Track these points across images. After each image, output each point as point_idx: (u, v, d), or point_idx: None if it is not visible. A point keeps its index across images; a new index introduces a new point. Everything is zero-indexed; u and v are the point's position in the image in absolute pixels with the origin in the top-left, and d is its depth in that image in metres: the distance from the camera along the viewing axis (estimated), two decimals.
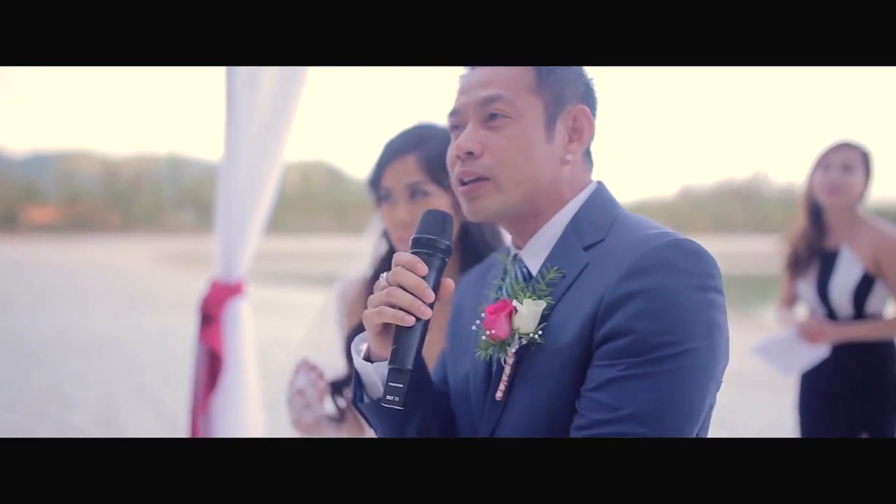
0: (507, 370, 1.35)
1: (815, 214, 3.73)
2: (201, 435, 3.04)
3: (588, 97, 1.46)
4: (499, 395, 1.36)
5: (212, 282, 3.15)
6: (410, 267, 1.28)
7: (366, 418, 1.46)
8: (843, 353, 3.54)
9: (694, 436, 1.24)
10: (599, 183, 1.47)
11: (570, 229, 1.39)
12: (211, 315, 3.06)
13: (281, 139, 3.01)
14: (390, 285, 1.29)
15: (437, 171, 2.00)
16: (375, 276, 2.20)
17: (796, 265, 3.76)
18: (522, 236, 1.45)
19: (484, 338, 1.37)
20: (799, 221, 3.81)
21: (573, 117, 1.43)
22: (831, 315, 3.63)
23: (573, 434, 1.25)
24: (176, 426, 6.92)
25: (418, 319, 1.27)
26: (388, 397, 1.27)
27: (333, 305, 2.30)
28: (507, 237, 1.61)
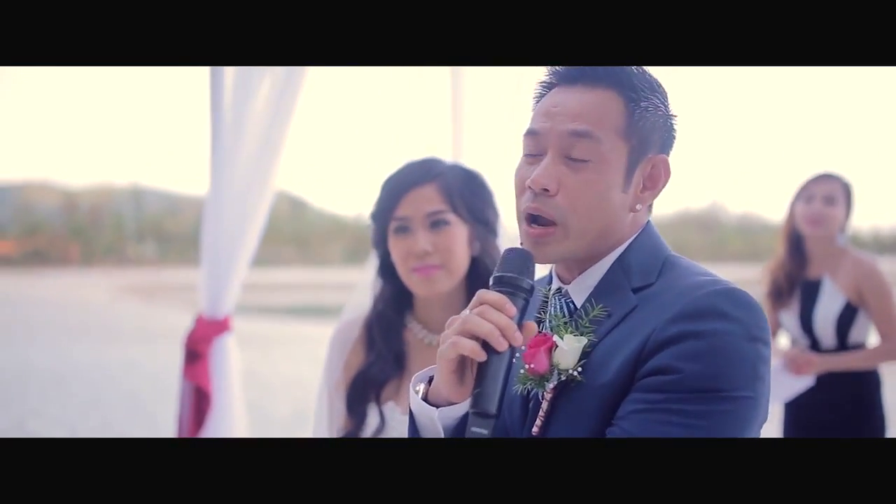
0: (545, 406, 1.31)
1: (796, 245, 3.77)
2: None
3: (668, 144, 1.40)
4: (535, 430, 1.32)
5: (197, 317, 3.10)
6: (499, 306, 1.22)
7: None
8: (828, 383, 3.56)
9: None
10: (648, 221, 1.41)
11: (618, 267, 1.35)
12: (197, 351, 3.00)
13: (270, 167, 2.98)
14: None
15: (456, 201, 1.99)
16: (378, 317, 2.12)
17: (778, 296, 3.79)
18: (571, 272, 1.40)
19: (522, 371, 1.33)
20: (779, 252, 3.85)
21: (652, 165, 1.37)
22: (815, 345, 3.66)
23: None
24: None
25: (501, 361, 1.21)
26: None
27: (328, 351, 2.20)
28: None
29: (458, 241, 1.99)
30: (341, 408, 2.09)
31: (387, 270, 2.12)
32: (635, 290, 1.32)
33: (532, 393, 1.36)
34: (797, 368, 3.55)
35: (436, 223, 1.98)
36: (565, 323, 1.34)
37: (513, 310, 1.23)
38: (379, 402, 2.02)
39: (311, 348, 14.52)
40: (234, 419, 3.07)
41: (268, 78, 2.90)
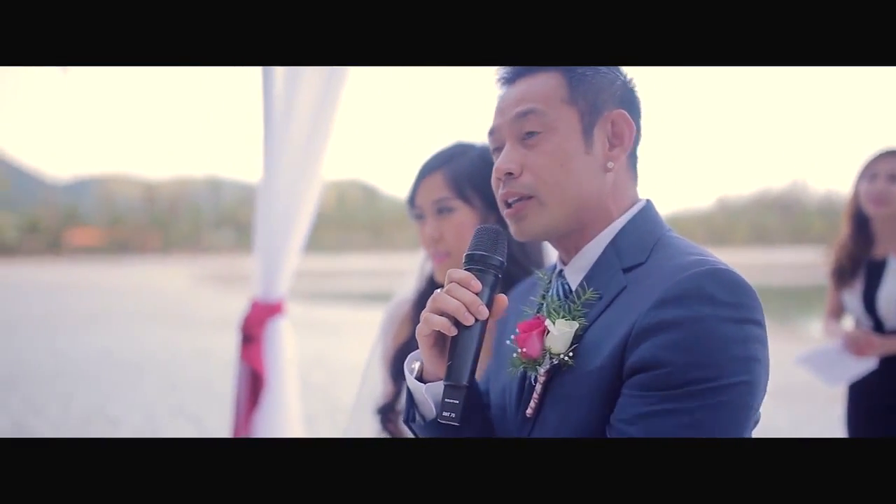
0: (538, 388, 1.34)
1: (861, 224, 3.66)
2: None
3: (627, 100, 1.43)
4: (529, 411, 1.35)
5: (252, 302, 3.17)
6: (465, 283, 1.28)
7: (416, 436, 1.46)
8: (891, 366, 3.46)
9: None
10: (648, 201, 1.43)
11: (611, 249, 1.37)
12: (251, 335, 3.08)
13: (319, 157, 3.04)
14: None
15: (463, 187, 2.02)
16: (420, 295, 2.21)
17: (841, 276, 3.68)
18: (569, 253, 1.43)
19: (515, 355, 1.36)
20: (843, 231, 3.74)
21: (612, 122, 1.40)
22: (878, 326, 3.55)
23: None
24: None
25: (470, 335, 1.27)
26: (445, 413, 1.26)
27: (381, 325, 2.31)
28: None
29: (465, 226, 2.02)
30: (386, 377, 2.20)
31: None
32: (626, 270, 1.33)
33: (529, 375, 1.38)
34: (858, 350, 3.45)
35: (440, 210, 2.04)
36: (559, 307, 1.36)
37: (478, 286, 1.28)
38: None
39: None
40: (287, 401, 3.15)
41: (316, 68, 2.96)
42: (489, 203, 2.03)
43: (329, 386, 9.45)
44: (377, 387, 2.26)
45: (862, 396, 3.59)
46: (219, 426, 7.63)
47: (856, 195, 3.67)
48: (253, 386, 3.05)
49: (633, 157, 1.45)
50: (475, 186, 2.02)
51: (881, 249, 3.60)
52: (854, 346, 3.46)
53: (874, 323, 3.56)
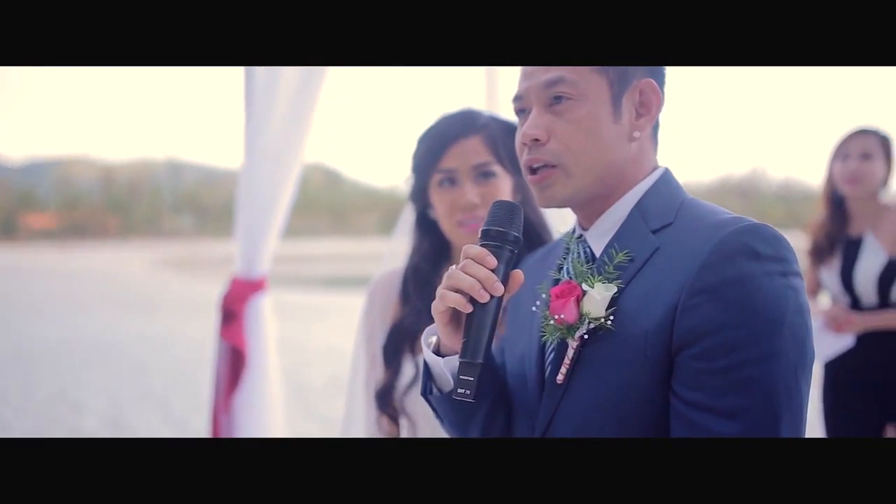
0: (571, 353, 1.31)
1: (837, 204, 3.69)
2: (223, 434, 3.01)
3: (655, 70, 1.41)
4: (560, 378, 1.32)
5: (232, 279, 3.13)
6: (480, 259, 1.27)
7: (434, 409, 1.45)
8: (869, 343, 3.50)
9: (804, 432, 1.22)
10: (666, 168, 1.43)
11: (637, 212, 1.36)
12: (233, 311, 3.03)
13: (301, 135, 3.01)
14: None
15: (501, 152, 1.96)
16: (414, 269, 2.10)
17: (818, 255, 3.72)
18: (589, 218, 1.42)
19: (552, 322, 1.33)
20: (820, 212, 3.78)
21: (640, 91, 1.38)
22: (855, 303, 3.59)
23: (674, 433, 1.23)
24: (185, 429, 6.89)
25: (486, 312, 1.26)
26: (460, 390, 1.26)
27: (363, 307, 2.20)
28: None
29: (504, 192, 1.96)
30: (378, 359, 2.10)
31: (425, 224, 2.10)
32: (655, 232, 1.32)
33: (550, 344, 1.37)
34: (838, 327, 3.49)
35: (483, 174, 1.95)
36: (586, 270, 1.35)
37: (493, 262, 1.27)
38: (414, 354, 2.02)
39: (346, 318, 14.64)
40: (269, 379, 3.11)
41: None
42: (518, 170, 1.96)
43: (293, 369, 9.39)
44: (371, 370, 2.16)
45: (839, 374, 3.63)
46: (186, 409, 7.56)
47: (830, 175, 3.71)
48: (233, 364, 3.00)
49: (655, 126, 1.44)
50: (509, 153, 1.97)
51: (857, 228, 3.64)
52: (833, 323, 3.50)
53: (851, 300, 3.60)
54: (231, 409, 3.02)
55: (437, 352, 1.39)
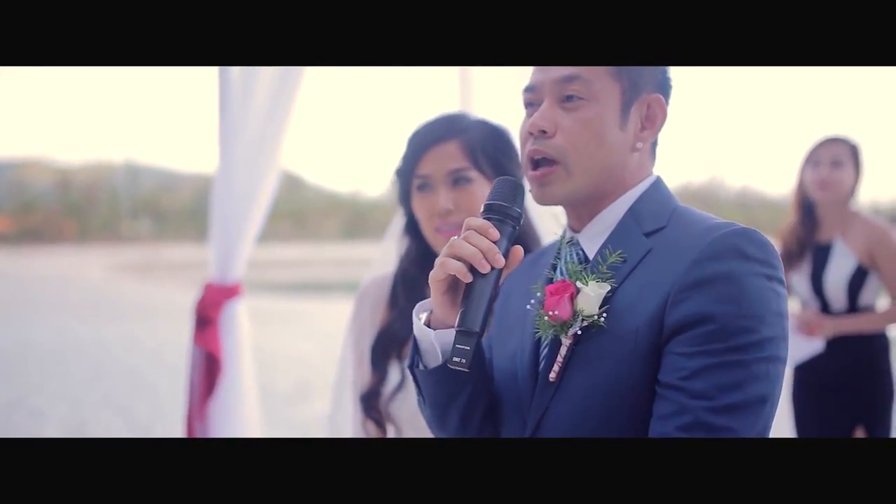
0: (564, 351, 1.33)
1: (808, 210, 3.76)
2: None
3: (664, 86, 1.45)
4: (552, 376, 1.34)
5: (206, 285, 3.08)
6: (482, 231, 1.28)
7: (417, 385, 1.44)
8: (837, 347, 3.56)
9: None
10: (658, 176, 1.47)
11: (630, 216, 1.39)
12: (207, 317, 2.98)
13: (278, 138, 2.97)
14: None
15: (479, 158, 1.95)
16: (403, 273, 2.09)
17: (789, 259, 3.78)
18: (582, 220, 1.44)
19: (546, 319, 1.35)
20: (790, 217, 3.83)
21: (647, 105, 1.42)
22: (825, 308, 3.65)
23: (656, 425, 1.24)
24: (151, 435, 6.78)
25: (486, 282, 1.27)
26: (455, 359, 1.27)
27: (353, 309, 2.19)
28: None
29: (480, 199, 1.95)
30: (365, 363, 2.08)
31: (412, 228, 2.09)
32: (647, 235, 1.36)
33: (544, 341, 1.39)
34: (809, 331, 3.55)
35: (457, 181, 1.94)
36: (580, 270, 1.37)
37: (496, 234, 1.28)
38: (401, 360, 2.00)
39: (309, 324, 14.53)
40: (244, 385, 3.06)
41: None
42: (500, 175, 1.97)
43: (260, 374, 9.28)
44: (356, 373, 2.15)
45: (808, 377, 3.68)
46: (147, 416, 7.45)
47: (801, 182, 3.77)
48: (208, 371, 2.95)
49: (654, 141, 1.48)
50: (489, 158, 1.96)
51: (826, 233, 3.71)
52: (805, 326, 3.56)
53: (821, 304, 3.66)
54: (206, 415, 2.97)
55: (429, 325, 1.39)
